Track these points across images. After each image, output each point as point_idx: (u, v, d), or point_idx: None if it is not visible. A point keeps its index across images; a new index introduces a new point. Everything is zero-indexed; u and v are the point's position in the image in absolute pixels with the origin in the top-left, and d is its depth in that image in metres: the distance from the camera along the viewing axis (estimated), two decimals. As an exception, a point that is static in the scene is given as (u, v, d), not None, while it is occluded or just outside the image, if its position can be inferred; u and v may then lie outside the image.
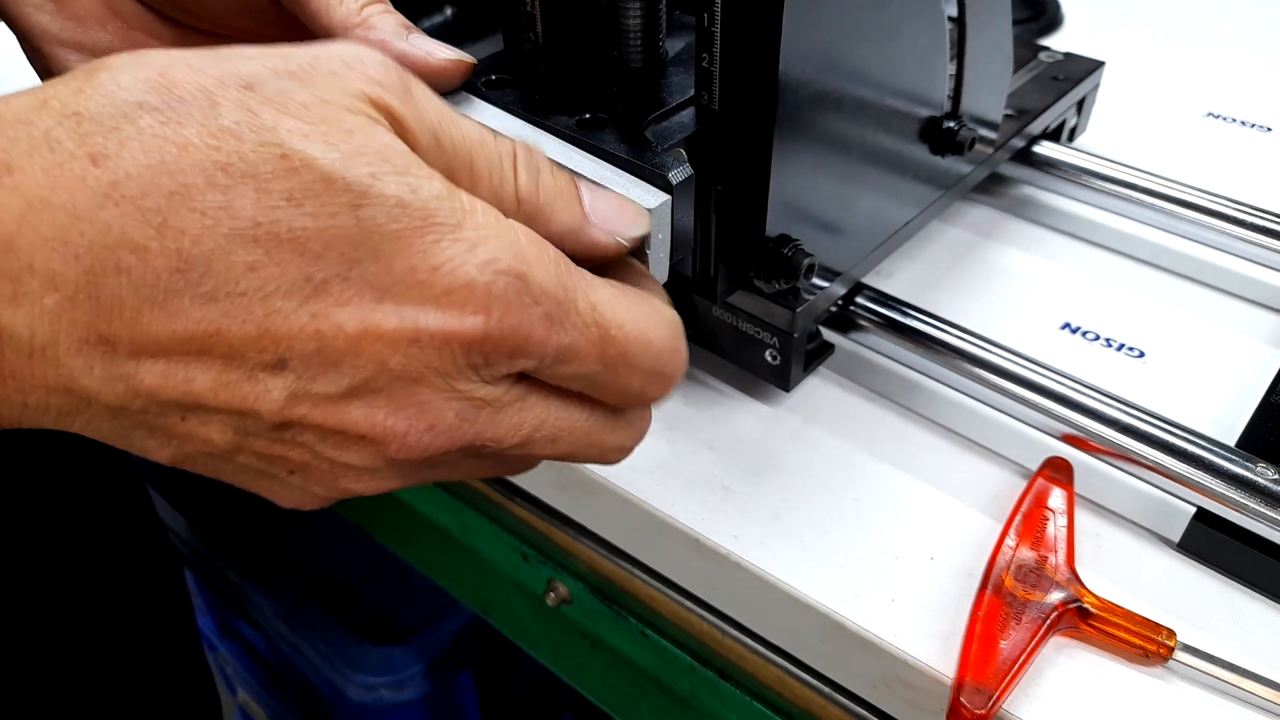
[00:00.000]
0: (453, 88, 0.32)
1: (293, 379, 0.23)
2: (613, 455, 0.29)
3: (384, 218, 0.22)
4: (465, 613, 0.77)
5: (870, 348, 0.43)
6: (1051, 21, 0.73)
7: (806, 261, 0.35)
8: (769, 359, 0.41)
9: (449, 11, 0.75)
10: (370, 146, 0.22)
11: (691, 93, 0.34)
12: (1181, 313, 0.47)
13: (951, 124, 0.42)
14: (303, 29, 0.33)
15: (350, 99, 0.23)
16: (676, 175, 0.29)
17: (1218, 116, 0.62)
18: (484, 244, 0.23)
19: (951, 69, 0.42)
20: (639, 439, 0.29)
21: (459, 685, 0.78)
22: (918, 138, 0.42)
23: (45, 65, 0.35)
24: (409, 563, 0.61)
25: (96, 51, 0.35)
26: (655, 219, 0.29)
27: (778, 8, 0.29)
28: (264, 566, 0.82)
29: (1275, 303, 0.48)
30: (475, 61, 0.33)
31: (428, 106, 0.24)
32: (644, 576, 0.43)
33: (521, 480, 0.45)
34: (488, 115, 0.32)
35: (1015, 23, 0.72)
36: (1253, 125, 0.62)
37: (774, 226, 0.35)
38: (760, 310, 0.40)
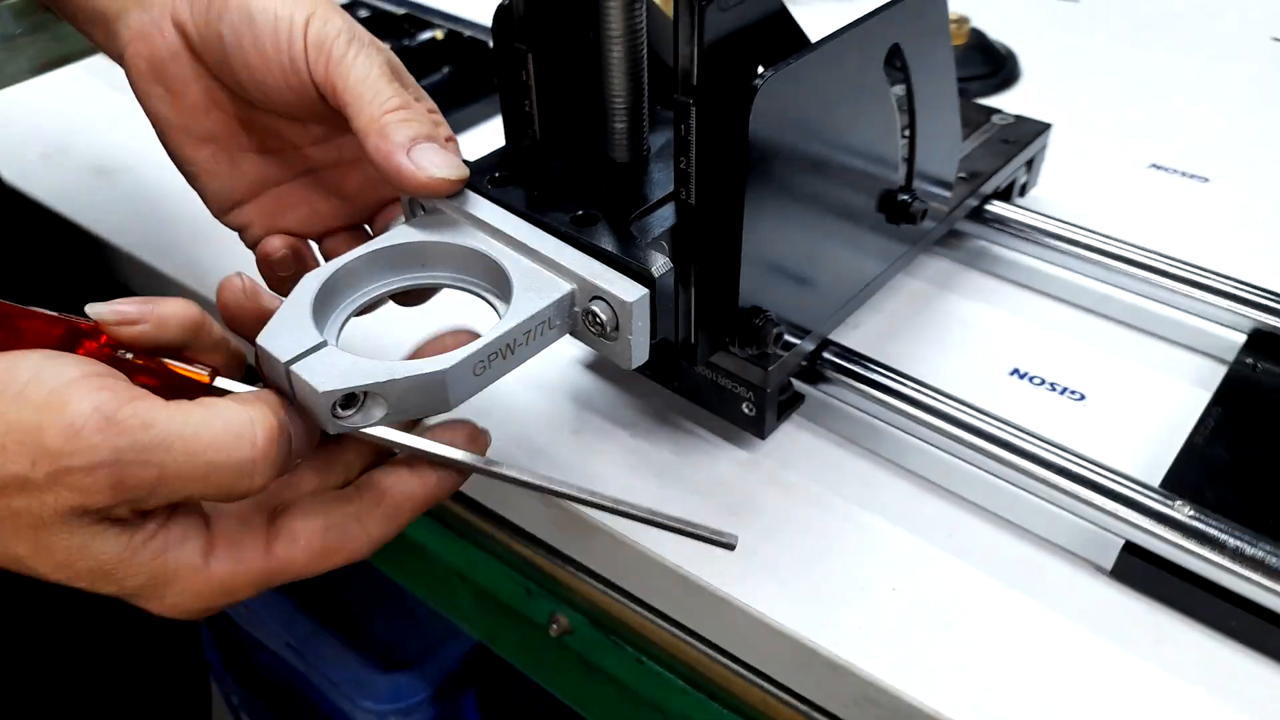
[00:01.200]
0: (449, 194, 0.37)
1: None
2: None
3: None
4: (469, 639, 0.81)
5: (836, 398, 0.48)
6: (1009, 77, 0.79)
7: (775, 331, 0.40)
8: (745, 410, 0.46)
9: (445, 70, 0.80)
10: None
11: (670, 188, 0.39)
12: (1119, 358, 0.52)
13: (905, 196, 0.47)
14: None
15: (60, 517, 0.29)
16: (658, 269, 0.34)
17: (1160, 168, 0.68)
18: None
19: (904, 148, 0.47)
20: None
21: (463, 709, 0.82)
22: (876, 209, 0.47)
23: (168, 145, 0.43)
24: (417, 596, 0.65)
25: (203, 136, 0.42)
26: (636, 310, 0.34)
27: (744, 126, 0.34)
28: (270, 594, 0.86)
29: (1204, 347, 0.52)
30: (468, 175, 0.37)
31: (129, 479, 0.29)
32: (637, 608, 0.47)
33: (525, 520, 0.50)
34: (492, 215, 0.37)
35: (975, 79, 0.77)
36: (1191, 176, 0.67)
37: (746, 299, 0.39)
38: (737, 368, 0.44)
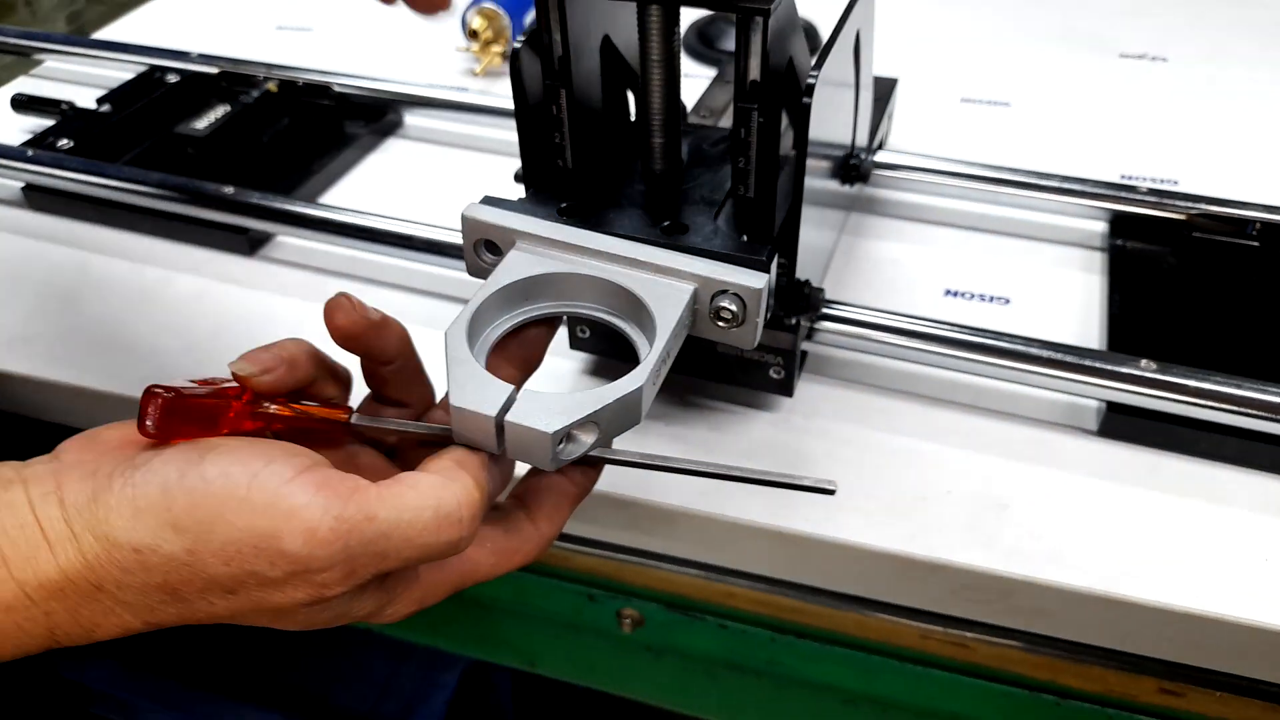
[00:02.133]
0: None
1: None
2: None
3: None
4: (445, 688, 0.81)
5: (836, 346, 0.53)
6: (813, 46, 0.88)
7: (820, 296, 0.45)
8: (774, 375, 0.51)
9: (285, 120, 0.77)
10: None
11: (712, 189, 0.43)
12: (1020, 264, 0.62)
13: (854, 159, 0.54)
14: None
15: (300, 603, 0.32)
16: (769, 256, 0.38)
17: (970, 100, 0.79)
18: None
19: (849, 118, 0.53)
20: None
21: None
22: (834, 175, 0.53)
23: None
24: (438, 646, 0.65)
25: None
26: (764, 295, 0.37)
27: (805, 120, 0.39)
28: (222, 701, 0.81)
29: (1079, 241, 0.63)
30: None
31: (359, 570, 0.32)
32: (720, 578, 0.51)
33: (589, 531, 0.52)
34: (589, 239, 0.39)
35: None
36: (995, 103, 0.79)
37: (800, 274, 0.44)
38: (767, 338, 0.49)
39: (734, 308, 0.37)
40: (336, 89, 0.76)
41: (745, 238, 0.40)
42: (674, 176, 0.43)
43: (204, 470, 0.30)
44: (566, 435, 0.33)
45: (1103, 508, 0.47)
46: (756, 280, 0.37)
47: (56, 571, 0.29)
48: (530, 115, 0.43)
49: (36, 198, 0.70)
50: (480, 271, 0.41)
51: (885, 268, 0.62)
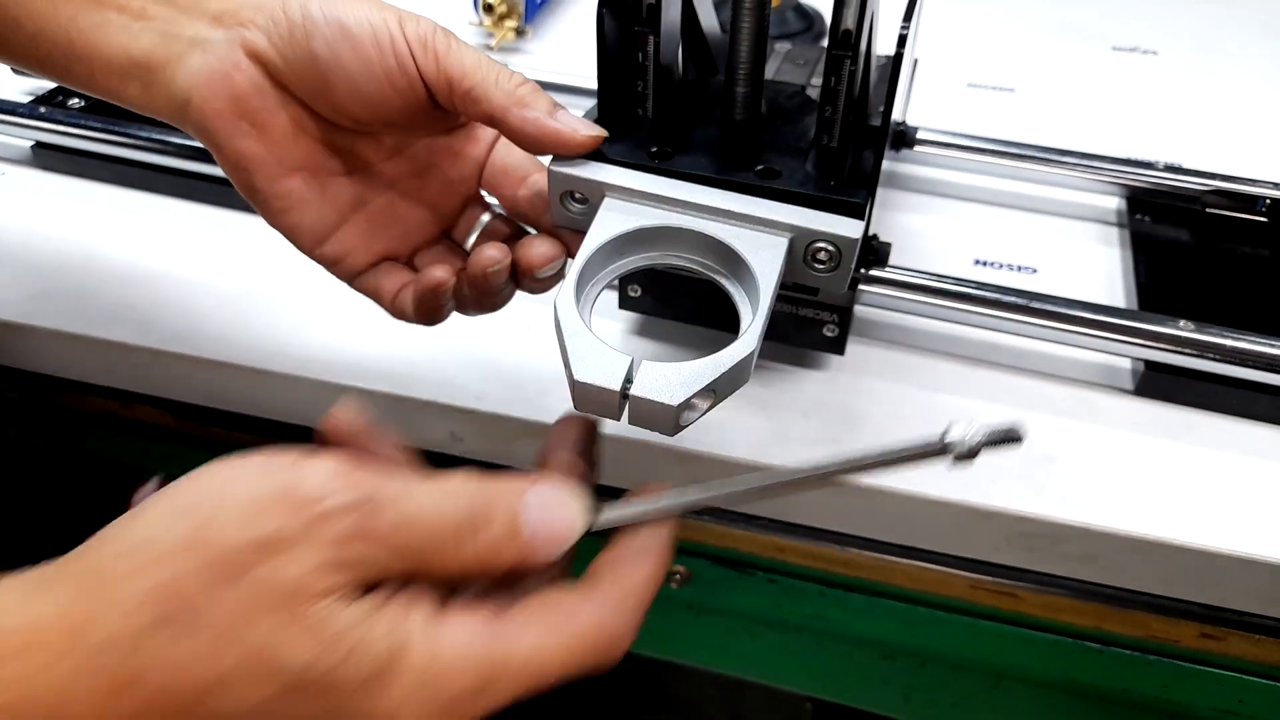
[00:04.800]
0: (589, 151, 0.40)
1: None
2: None
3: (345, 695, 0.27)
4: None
5: (877, 305, 0.54)
6: (819, 33, 0.89)
7: (887, 250, 0.46)
8: (827, 333, 0.52)
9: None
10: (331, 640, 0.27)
11: (794, 139, 0.43)
12: (1044, 236, 0.64)
13: (901, 126, 0.55)
14: (445, 121, 0.41)
15: (315, 577, 0.27)
16: (863, 200, 0.39)
17: (976, 85, 0.81)
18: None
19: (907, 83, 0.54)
20: None
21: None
22: (881, 141, 0.54)
23: (255, 184, 0.40)
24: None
25: (290, 166, 0.40)
26: (860, 240, 0.38)
27: (897, 67, 0.40)
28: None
29: (1096, 216, 0.66)
30: (607, 134, 0.40)
31: (380, 525, 0.28)
32: (771, 533, 0.52)
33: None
34: (681, 190, 0.40)
35: (795, 34, 0.87)
36: (1000, 89, 0.81)
37: (872, 228, 0.45)
38: (822, 295, 0.50)
39: (831, 248, 0.38)
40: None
41: (834, 184, 0.41)
42: (755, 127, 0.44)
43: None
44: (686, 403, 0.34)
45: (1146, 461, 0.49)
46: (853, 228, 0.38)
47: None
48: (613, 62, 0.43)
49: (46, 156, 0.68)
50: (569, 220, 0.42)
51: (913, 238, 0.64)
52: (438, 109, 0.40)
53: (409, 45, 0.38)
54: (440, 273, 0.41)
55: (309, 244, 0.43)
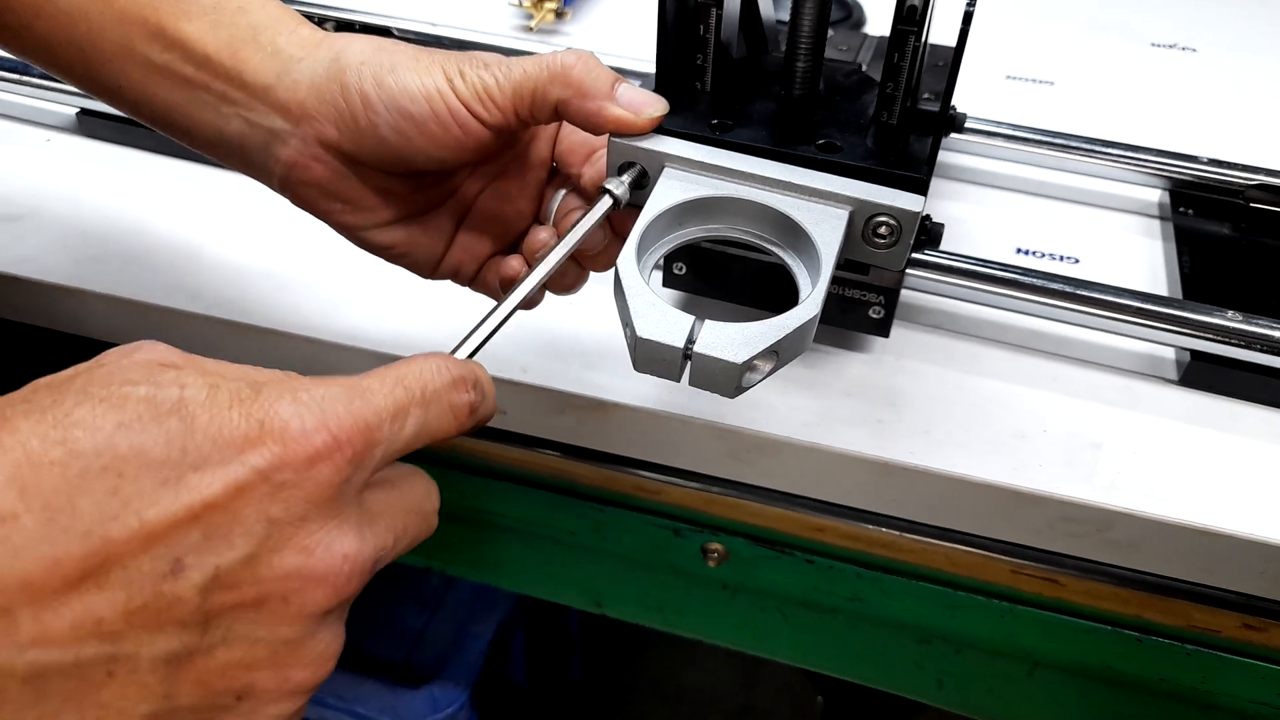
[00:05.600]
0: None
1: (196, 574, 0.24)
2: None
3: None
4: (485, 632, 0.80)
5: (922, 290, 0.54)
6: (859, 21, 0.89)
7: (940, 230, 0.46)
8: (873, 315, 0.52)
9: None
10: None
11: (855, 116, 0.43)
12: (1086, 227, 0.64)
13: (950, 110, 0.55)
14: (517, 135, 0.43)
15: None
16: (924, 174, 0.39)
17: (1014, 78, 0.81)
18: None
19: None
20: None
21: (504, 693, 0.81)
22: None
23: (361, 243, 0.44)
24: (496, 585, 0.64)
25: (389, 221, 0.43)
26: (919, 216, 0.38)
27: (962, 44, 0.40)
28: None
29: (1138, 209, 0.66)
30: (668, 108, 0.40)
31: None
32: (811, 512, 0.52)
33: (683, 462, 0.52)
34: (742, 162, 0.40)
35: (836, 23, 0.87)
36: (1039, 81, 0.81)
37: (927, 207, 0.45)
38: (872, 276, 0.50)
39: (893, 222, 0.38)
40: (396, 33, 0.76)
41: (894, 160, 0.41)
42: (813, 103, 0.44)
43: None
44: (749, 363, 0.34)
45: (1191, 450, 0.49)
46: (915, 202, 0.38)
47: None
48: (673, 35, 0.43)
49: (91, 123, 0.68)
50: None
51: (955, 225, 0.63)
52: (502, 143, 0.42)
53: (467, 107, 0.39)
54: (515, 263, 0.44)
55: (428, 273, 0.45)
